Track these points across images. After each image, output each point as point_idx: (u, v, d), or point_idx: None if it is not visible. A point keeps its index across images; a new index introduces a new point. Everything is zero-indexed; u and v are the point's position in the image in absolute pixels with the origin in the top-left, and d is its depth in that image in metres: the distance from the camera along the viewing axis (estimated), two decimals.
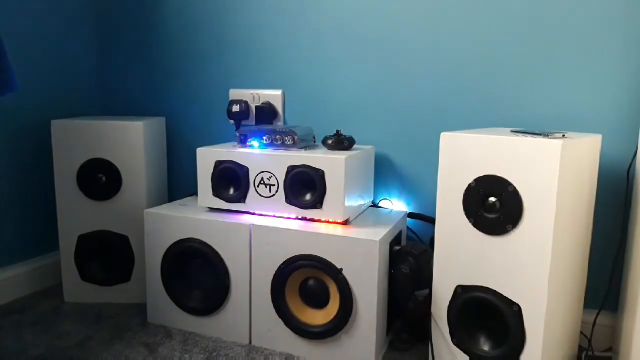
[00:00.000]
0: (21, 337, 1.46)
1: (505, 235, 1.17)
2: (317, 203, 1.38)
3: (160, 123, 1.83)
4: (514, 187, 1.14)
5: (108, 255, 1.70)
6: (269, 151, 1.43)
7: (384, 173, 1.67)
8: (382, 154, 1.67)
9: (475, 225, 1.22)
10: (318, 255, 1.33)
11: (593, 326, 1.38)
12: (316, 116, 1.74)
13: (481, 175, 1.19)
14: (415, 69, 1.58)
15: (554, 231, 1.10)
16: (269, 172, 1.42)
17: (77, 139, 1.63)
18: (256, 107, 1.76)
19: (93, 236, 1.68)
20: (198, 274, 1.50)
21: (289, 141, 1.46)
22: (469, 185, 1.21)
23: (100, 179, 1.65)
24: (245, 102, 1.77)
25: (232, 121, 1.79)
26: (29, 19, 1.74)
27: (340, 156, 1.35)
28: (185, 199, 1.70)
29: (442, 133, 1.26)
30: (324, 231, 1.33)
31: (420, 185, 1.63)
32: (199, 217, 1.46)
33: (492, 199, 1.19)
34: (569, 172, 1.13)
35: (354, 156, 1.43)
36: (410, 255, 1.37)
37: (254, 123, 1.77)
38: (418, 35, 1.57)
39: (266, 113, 1.76)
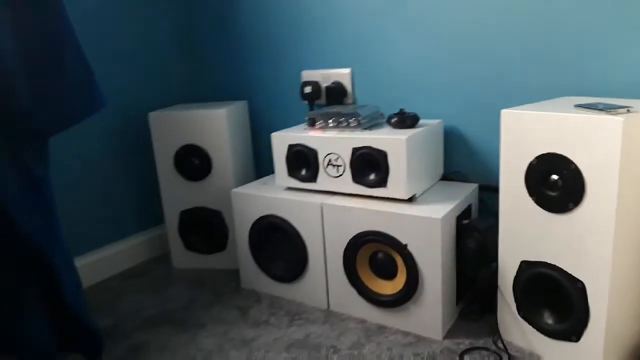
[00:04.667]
0: (138, 299, 1.75)
1: (567, 214, 1.16)
2: (382, 182, 1.45)
3: (243, 107, 1.98)
4: (576, 166, 1.12)
5: (206, 228, 1.93)
6: (335, 133, 1.52)
7: (455, 145, 1.68)
8: (452, 127, 1.67)
9: (537, 202, 1.22)
10: (384, 231, 1.41)
11: None
12: (385, 92, 1.77)
13: (542, 153, 1.18)
14: (483, 39, 1.54)
15: (617, 210, 1.08)
16: (336, 154, 1.51)
17: (172, 128, 1.84)
18: (326, 87, 1.83)
19: (192, 212, 1.91)
20: (281, 246, 1.66)
21: (353, 123, 1.53)
22: (531, 163, 1.21)
23: (194, 162, 1.86)
24: (316, 83, 1.86)
25: (306, 102, 1.89)
26: (118, 21, 1.95)
27: (402, 136, 1.40)
28: (267, 177, 1.85)
29: (502, 110, 1.25)
30: (389, 209, 1.41)
31: (492, 156, 1.61)
32: (277, 196, 1.61)
33: (554, 177, 1.18)
34: (635, 149, 1.08)
35: (417, 135, 1.46)
36: (476, 231, 1.40)
37: (325, 103, 1.85)
38: (484, 5, 1.52)
39: (336, 93, 1.83)
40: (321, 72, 1.87)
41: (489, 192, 1.64)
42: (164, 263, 2.02)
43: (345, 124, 1.55)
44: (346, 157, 1.50)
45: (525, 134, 1.21)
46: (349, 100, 1.85)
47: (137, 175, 2.05)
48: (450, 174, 1.70)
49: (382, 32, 1.73)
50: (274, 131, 1.66)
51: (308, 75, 1.91)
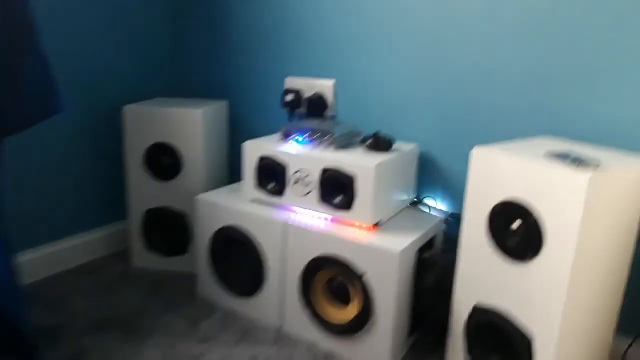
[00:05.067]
0: (90, 298, 1.70)
1: (524, 264, 1.13)
2: (347, 206, 1.41)
3: (223, 107, 1.93)
4: (537, 217, 1.09)
5: (170, 229, 1.88)
6: (307, 151, 1.48)
7: (430, 171, 1.65)
8: (428, 152, 1.64)
9: (497, 248, 1.19)
10: (343, 258, 1.38)
11: (624, 355, 1.30)
12: (366, 109, 1.74)
13: (507, 198, 1.15)
14: (472, 69, 1.51)
15: (573, 267, 1.05)
16: (305, 171, 1.47)
17: (145, 124, 1.79)
18: (306, 99, 1.79)
19: (157, 211, 1.86)
20: (240, 259, 1.62)
21: (327, 141, 1.49)
22: (495, 206, 1.18)
23: (164, 161, 1.81)
24: (298, 92, 1.81)
25: (286, 109, 1.85)
26: (109, 7, 1.90)
27: (371, 163, 1.36)
28: (238, 184, 1.81)
29: (474, 147, 1.22)
30: (350, 236, 1.37)
31: (464, 186, 1.58)
32: (242, 207, 1.56)
33: (515, 224, 1.15)
34: (601, 206, 1.05)
35: (388, 161, 1.43)
36: (436, 267, 1.37)
37: (305, 113, 1.81)
38: (477, 35, 1.48)
39: (316, 105, 1.78)
40: (305, 81, 1.83)
41: (458, 222, 1.61)
42: (123, 260, 1.97)
43: (319, 140, 1.51)
44: (315, 176, 1.46)
45: (492, 176, 1.18)
46: (330, 112, 1.81)
47: (106, 168, 1.99)
48: (423, 198, 1.67)
49: (370, 49, 1.70)
50: (253, 135, 1.63)
51: (291, 82, 1.86)
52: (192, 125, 1.77)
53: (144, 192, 1.86)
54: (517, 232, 1.14)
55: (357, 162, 1.38)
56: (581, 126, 1.37)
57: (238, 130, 2.07)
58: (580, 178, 1.01)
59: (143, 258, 1.93)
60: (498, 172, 1.16)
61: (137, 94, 2.03)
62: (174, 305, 1.67)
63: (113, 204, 2.03)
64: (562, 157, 1.11)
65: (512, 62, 1.44)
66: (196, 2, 2.08)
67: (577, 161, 1.07)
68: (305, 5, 1.80)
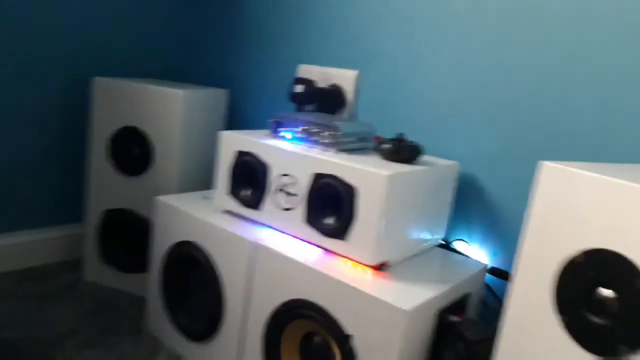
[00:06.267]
0: (15, 311, 1.32)
1: None
2: (341, 232, 0.97)
3: (221, 96, 1.55)
4: None
5: (132, 238, 1.49)
6: (299, 148, 1.06)
7: (471, 203, 1.18)
8: (471, 176, 1.18)
9: (569, 329, 0.71)
10: (325, 308, 0.93)
11: None
12: (395, 112, 1.31)
13: (596, 247, 0.68)
14: (543, 71, 1.06)
15: None
16: (292, 177, 1.05)
17: (115, 103, 1.43)
18: (319, 89, 1.38)
19: (118, 213, 1.48)
20: (196, 288, 1.21)
21: (327, 138, 1.06)
22: (573, 259, 0.70)
23: (133, 150, 1.44)
24: (311, 83, 1.41)
25: (295, 104, 1.44)
26: None
27: (384, 172, 0.92)
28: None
29: (543, 162, 0.76)
30: (342, 277, 0.92)
31: (517, 230, 1.11)
32: (205, 218, 1.15)
33: (608, 292, 0.67)
34: None
35: (410, 174, 0.98)
36: (462, 341, 0.90)
37: (316, 110, 1.40)
38: (551, 29, 1.04)
39: (332, 99, 1.37)
40: (321, 70, 1.43)
41: (503, 280, 1.13)
42: (73, 271, 1.58)
43: (316, 137, 1.09)
44: (304, 183, 1.03)
45: (572, 208, 0.71)
46: (348, 112, 1.39)
47: (68, 155, 1.63)
48: (453, 241, 1.20)
49: (407, 37, 1.28)
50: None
51: (305, 71, 1.47)
52: (170, 109, 1.39)
53: (105, 187, 1.48)
54: (608, 305, 0.66)
55: (363, 169, 0.94)
56: None
57: (240, 126, 1.68)
58: None
59: (96, 271, 1.54)
60: (583, 202, 0.70)
61: (126, 72, 1.70)
62: (112, 336, 1.27)
63: (70, 201, 1.66)
64: None
65: (599, 77, 0.98)
66: None
67: None
68: None
